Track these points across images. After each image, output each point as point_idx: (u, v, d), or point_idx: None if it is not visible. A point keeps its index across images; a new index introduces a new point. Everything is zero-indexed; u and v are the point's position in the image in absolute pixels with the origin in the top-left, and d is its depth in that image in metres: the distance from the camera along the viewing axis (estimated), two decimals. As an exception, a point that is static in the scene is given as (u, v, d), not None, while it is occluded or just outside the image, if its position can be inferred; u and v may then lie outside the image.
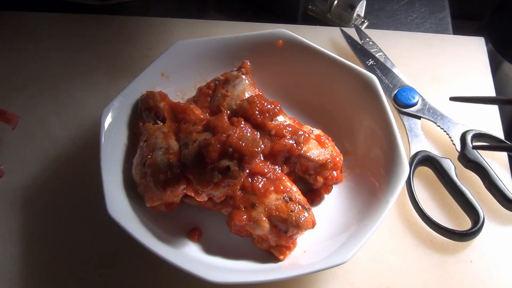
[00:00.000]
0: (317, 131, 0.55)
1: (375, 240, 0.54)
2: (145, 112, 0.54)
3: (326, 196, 0.55)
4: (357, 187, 0.54)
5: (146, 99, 0.55)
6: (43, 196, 0.57)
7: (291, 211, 0.47)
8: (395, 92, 0.63)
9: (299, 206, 0.48)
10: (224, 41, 0.59)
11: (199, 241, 0.51)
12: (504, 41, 0.95)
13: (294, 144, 0.51)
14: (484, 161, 0.56)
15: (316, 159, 0.52)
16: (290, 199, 0.48)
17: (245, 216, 0.48)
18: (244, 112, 0.52)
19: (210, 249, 0.50)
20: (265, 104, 0.53)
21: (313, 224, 0.48)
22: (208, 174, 0.45)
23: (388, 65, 0.66)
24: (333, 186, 0.55)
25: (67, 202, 0.56)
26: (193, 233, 0.52)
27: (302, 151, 0.51)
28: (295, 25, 0.72)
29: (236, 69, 0.58)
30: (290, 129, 0.52)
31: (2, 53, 0.69)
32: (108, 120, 0.51)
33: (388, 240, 0.54)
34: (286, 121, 0.53)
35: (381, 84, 0.55)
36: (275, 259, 0.49)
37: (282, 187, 0.49)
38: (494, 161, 0.58)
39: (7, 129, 0.61)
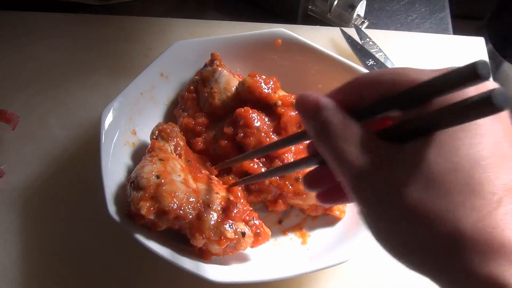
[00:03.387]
0: None
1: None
2: (160, 135, 0.51)
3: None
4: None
5: (163, 129, 0.51)
6: (43, 196, 0.57)
7: None
8: (395, 92, 0.63)
9: None
10: (224, 41, 0.59)
11: (199, 241, 0.51)
12: (504, 41, 0.96)
13: None
14: None
15: None
16: None
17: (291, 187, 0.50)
18: (248, 87, 0.53)
19: (210, 249, 0.50)
20: (264, 77, 0.54)
21: None
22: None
23: (388, 65, 0.66)
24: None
25: (67, 202, 0.56)
26: (193, 233, 0.51)
27: None
28: (295, 25, 0.72)
29: (208, 64, 0.57)
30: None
31: (2, 53, 0.69)
32: (108, 120, 0.51)
33: (388, 240, 0.54)
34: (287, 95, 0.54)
35: (381, 84, 0.55)
36: (275, 259, 0.49)
37: None
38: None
39: (7, 129, 0.61)
